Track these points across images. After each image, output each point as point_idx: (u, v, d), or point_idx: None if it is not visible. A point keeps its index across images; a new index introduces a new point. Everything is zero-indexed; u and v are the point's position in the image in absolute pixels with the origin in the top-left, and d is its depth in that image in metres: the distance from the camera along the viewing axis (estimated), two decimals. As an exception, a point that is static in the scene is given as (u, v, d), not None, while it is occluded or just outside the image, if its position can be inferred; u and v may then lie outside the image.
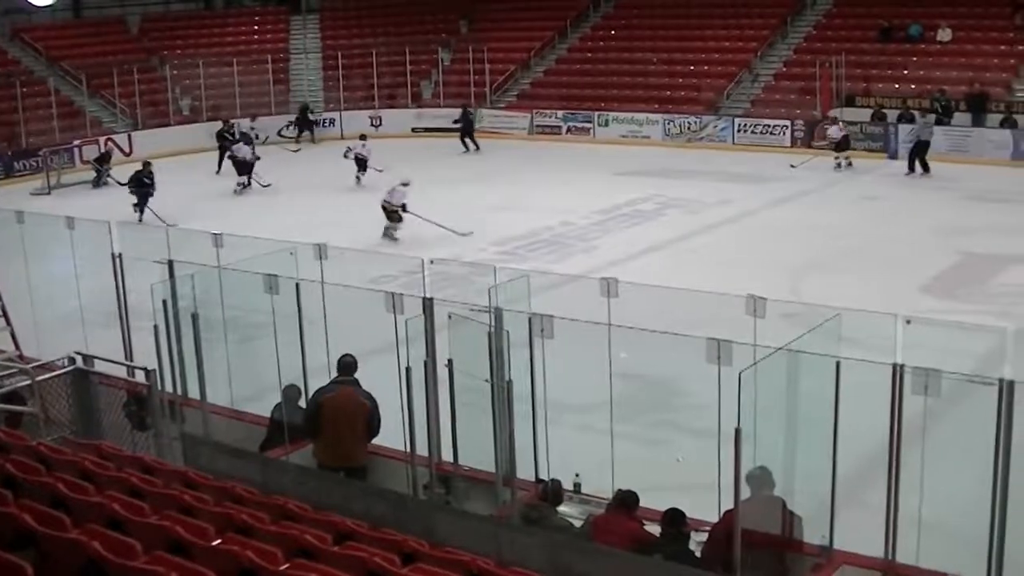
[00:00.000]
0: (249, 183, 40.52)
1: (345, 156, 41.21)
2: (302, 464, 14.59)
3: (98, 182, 42.84)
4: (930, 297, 24.13)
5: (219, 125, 46.49)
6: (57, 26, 56.44)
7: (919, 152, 38.97)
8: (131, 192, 35.82)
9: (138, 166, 37.63)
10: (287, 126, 51.44)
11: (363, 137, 43.24)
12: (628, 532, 11.93)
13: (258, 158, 41.32)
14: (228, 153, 42.12)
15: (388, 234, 31.26)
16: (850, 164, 39.73)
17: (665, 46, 50.82)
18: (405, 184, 31.34)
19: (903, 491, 11.27)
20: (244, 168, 40.69)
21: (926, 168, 38.77)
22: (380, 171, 38.80)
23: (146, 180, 36.28)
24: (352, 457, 14.62)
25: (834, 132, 40.71)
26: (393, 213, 31.17)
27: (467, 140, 47.24)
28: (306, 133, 51.35)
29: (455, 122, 47.87)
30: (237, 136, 43.79)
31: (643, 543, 11.81)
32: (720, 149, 44.91)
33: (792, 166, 40.26)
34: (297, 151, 48.76)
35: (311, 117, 51.63)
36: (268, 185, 40.54)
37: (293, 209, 35.63)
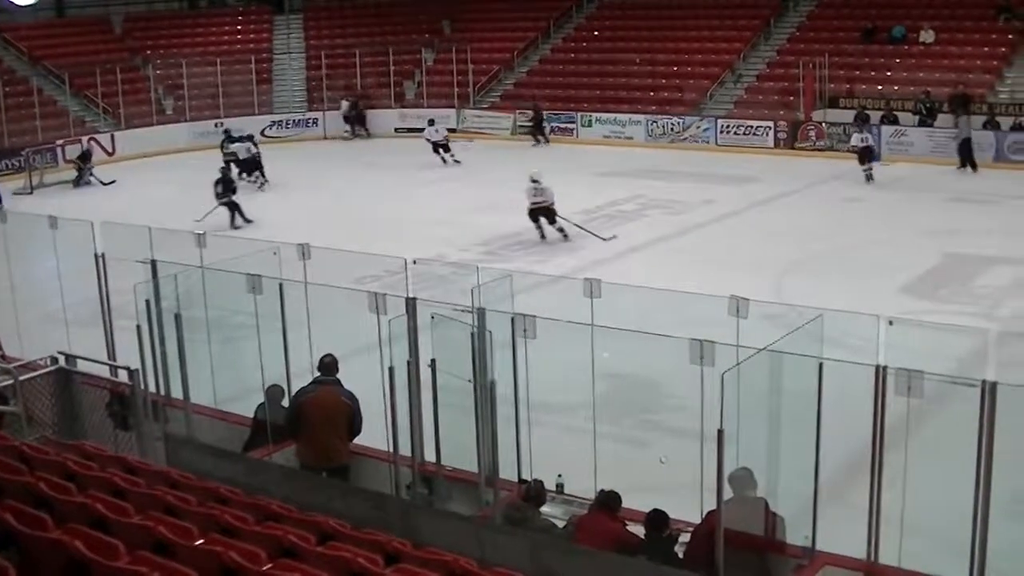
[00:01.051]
0: (263, 174, 40.63)
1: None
2: (285, 464, 14.59)
3: (79, 181, 42.80)
4: (913, 298, 24.17)
5: (204, 125, 46.82)
6: (40, 25, 56.29)
7: (967, 150, 39.19)
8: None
9: (122, 166, 37.73)
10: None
11: (431, 122, 45.59)
12: (611, 533, 11.94)
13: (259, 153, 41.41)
14: (229, 157, 41.98)
15: (563, 234, 30.80)
16: (871, 177, 37.91)
17: (648, 47, 50.88)
18: (536, 181, 30.92)
19: (886, 492, 11.28)
20: (250, 166, 40.84)
21: (975, 166, 39.10)
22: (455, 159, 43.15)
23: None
24: (334, 457, 14.61)
25: (856, 140, 39.43)
26: (549, 211, 30.62)
27: (538, 136, 47.50)
28: (360, 128, 51.77)
29: (529, 120, 48.09)
30: (235, 137, 43.69)
31: (626, 544, 11.82)
32: (703, 150, 44.98)
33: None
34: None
35: (362, 111, 51.93)
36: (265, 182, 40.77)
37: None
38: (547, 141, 47.82)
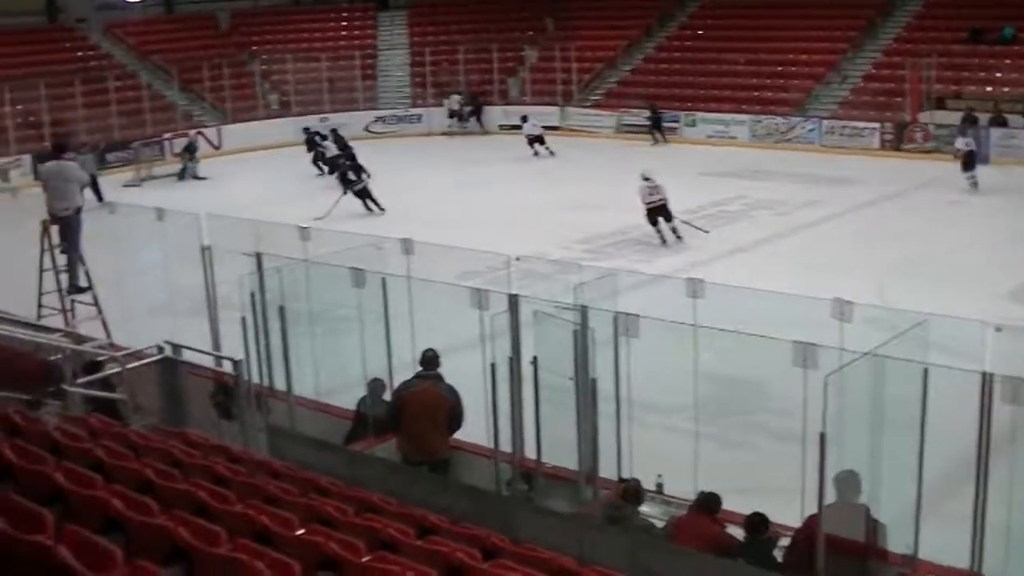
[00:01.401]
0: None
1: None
2: (386, 457, 14.65)
3: (184, 174, 43.27)
4: (1019, 305, 23.83)
5: (310, 121, 47.15)
6: (148, 21, 57.21)
7: None
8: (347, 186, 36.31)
9: (227, 159, 38.10)
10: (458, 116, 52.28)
11: (524, 118, 46.54)
12: (710, 535, 11.90)
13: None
14: (319, 155, 42.34)
15: (677, 234, 30.52)
16: (975, 185, 36.55)
17: (753, 46, 50.37)
18: (648, 179, 30.66)
19: (990, 501, 11.14)
20: (334, 164, 40.81)
21: None
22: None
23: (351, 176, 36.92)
24: (434, 451, 14.66)
25: (960, 144, 37.89)
26: (666, 209, 30.30)
27: (656, 135, 47.38)
28: (476, 124, 52.06)
29: (647, 118, 47.99)
30: (326, 135, 43.98)
31: (725, 546, 11.78)
32: (807, 150, 44.56)
33: None
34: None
35: (479, 106, 52.16)
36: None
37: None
38: (664, 140, 47.48)
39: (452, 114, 52.00)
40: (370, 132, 50.88)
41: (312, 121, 49.51)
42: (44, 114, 46.77)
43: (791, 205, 34.48)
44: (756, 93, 48.51)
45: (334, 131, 43.73)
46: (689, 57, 52.31)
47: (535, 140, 45.80)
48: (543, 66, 53.92)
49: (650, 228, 30.27)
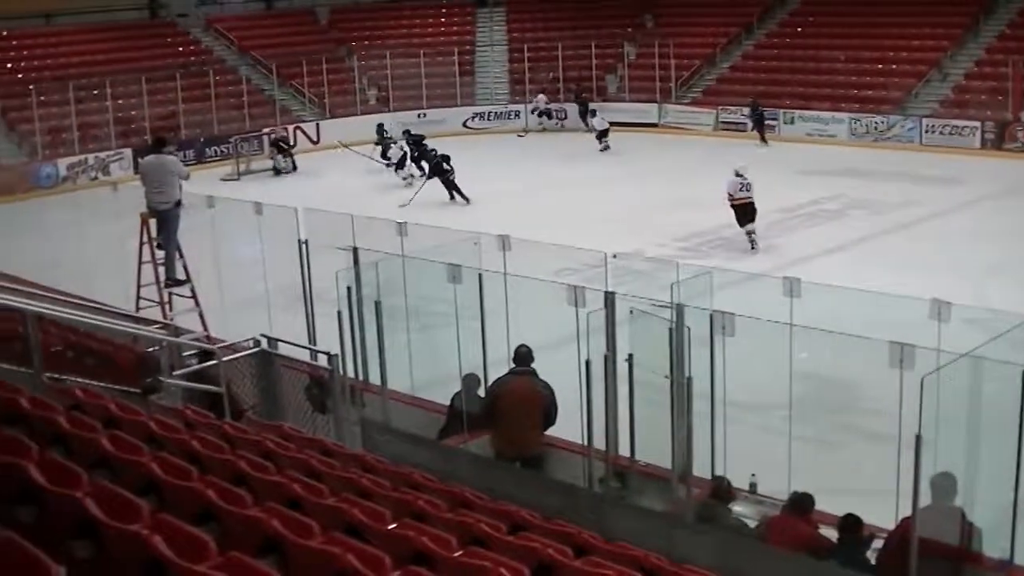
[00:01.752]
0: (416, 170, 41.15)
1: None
2: (479, 453, 14.68)
3: (279, 169, 43.63)
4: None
5: (407, 116, 47.46)
6: (249, 16, 57.82)
7: None
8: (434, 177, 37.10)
9: (325, 154, 38.47)
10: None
11: (594, 113, 47.93)
12: (803, 535, 11.83)
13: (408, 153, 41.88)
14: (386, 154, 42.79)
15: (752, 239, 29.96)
16: None
17: (852, 44, 49.84)
18: (741, 175, 30.21)
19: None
20: (401, 163, 41.41)
21: None
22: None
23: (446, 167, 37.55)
24: (528, 447, 14.68)
25: None
26: (750, 205, 29.90)
27: (760, 131, 46.97)
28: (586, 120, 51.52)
29: (749, 116, 47.72)
30: (389, 135, 44.32)
31: (818, 547, 11.71)
32: (907, 149, 44.04)
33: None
34: (522, 136, 49.51)
35: (586, 102, 51.86)
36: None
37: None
38: (764, 142, 46.68)
39: (540, 113, 51.82)
40: (468, 128, 51.05)
41: (411, 117, 49.92)
42: (144, 109, 47.28)
43: (889, 204, 34.14)
44: (855, 91, 48.02)
45: (407, 131, 43.65)
46: (788, 54, 51.93)
47: (603, 135, 46.33)
48: (641, 63, 53.75)
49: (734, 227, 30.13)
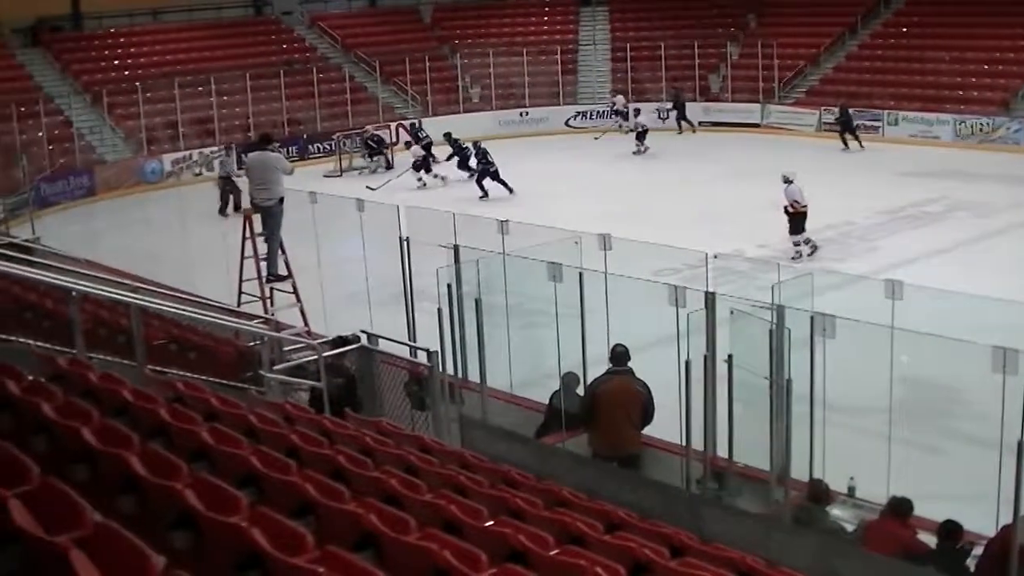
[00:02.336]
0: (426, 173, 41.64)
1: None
2: (577, 452, 14.68)
3: (375, 166, 43.80)
4: None
5: (510, 114, 47.59)
6: (352, 15, 58.18)
7: None
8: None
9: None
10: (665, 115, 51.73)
11: (637, 111, 47.59)
12: (900, 540, 11.73)
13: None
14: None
15: (801, 250, 29.01)
16: None
17: (957, 44, 49.14)
18: (790, 181, 29.48)
19: None
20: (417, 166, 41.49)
21: None
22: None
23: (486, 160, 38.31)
24: (627, 446, 14.67)
25: None
26: (803, 215, 29.08)
27: (847, 136, 45.98)
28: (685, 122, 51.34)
29: (836, 120, 47.06)
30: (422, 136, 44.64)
31: (915, 553, 11.61)
32: (1013, 151, 43.33)
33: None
34: (598, 138, 49.06)
35: (682, 104, 51.54)
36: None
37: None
38: (858, 143, 45.50)
39: (616, 113, 51.44)
40: (570, 127, 50.97)
41: (512, 115, 50.15)
42: (248, 106, 47.73)
43: (994, 207, 33.65)
44: (960, 92, 47.36)
45: (447, 135, 43.59)
46: (892, 55, 51.29)
47: (642, 135, 45.77)
48: (744, 63, 53.37)
49: (844, 228, 29.82)
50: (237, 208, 35.84)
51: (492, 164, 38.21)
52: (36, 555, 4.97)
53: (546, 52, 54.58)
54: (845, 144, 45.09)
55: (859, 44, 52.63)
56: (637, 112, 48.02)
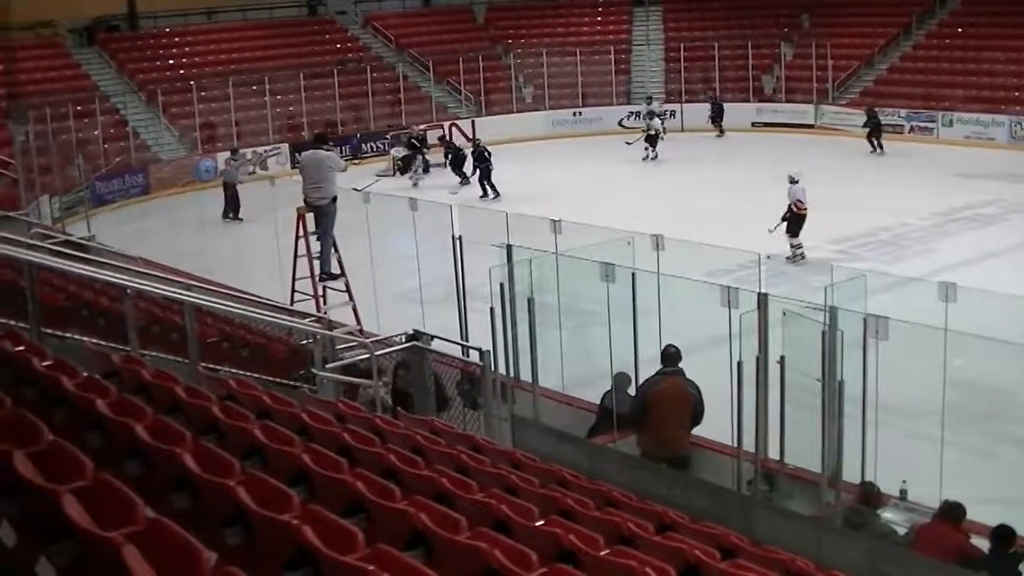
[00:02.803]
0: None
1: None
2: (628, 452, 14.67)
3: (414, 169, 43.77)
4: None
5: (563, 114, 47.55)
6: (406, 14, 58.34)
7: None
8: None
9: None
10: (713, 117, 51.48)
11: (651, 115, 46.61)
12: (953, 545, 11.66)
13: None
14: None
15: (800, 252, 28.84)
16: None
17: (1013, 45, 48.75)
18: (795, 181, 29.14)
19: None
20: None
21: None
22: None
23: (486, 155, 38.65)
24: (678, 447, 14.65)
25: None
26: (803, 217, 28.87)
27: (874, 140, 45.57)
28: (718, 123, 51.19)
29: (864, 124, 46.70)
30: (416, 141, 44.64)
31: (968, 557, 11.54)
32: (1070, 154, 43.17)
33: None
34: (631, 144, 48.82)
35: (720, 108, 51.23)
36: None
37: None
38: (882, 150, 45.11)
39: (651, 115, 50.83)
40: (623, 127, 50.85)
41: (565, 115, 50.27)
42: (302, 105, 47.94)
43: (1051, 210, 33.48)
44: (1016, 93, 47.03)
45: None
46: (947, 56, 51.01)
47: (653, 140, 45.36)
48: (798, 63, 53.17)
49: (898, 229, 29.65)
50: (235, 215, 36.44)
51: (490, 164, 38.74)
52: (90, 550, 5.02)
53: (599, 52, 54.58)
54: (873, 147, 44.80)
55: (914, 45, 52.33)
56: (651, 115, 47.26)
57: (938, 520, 12.05)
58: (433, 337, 15.59)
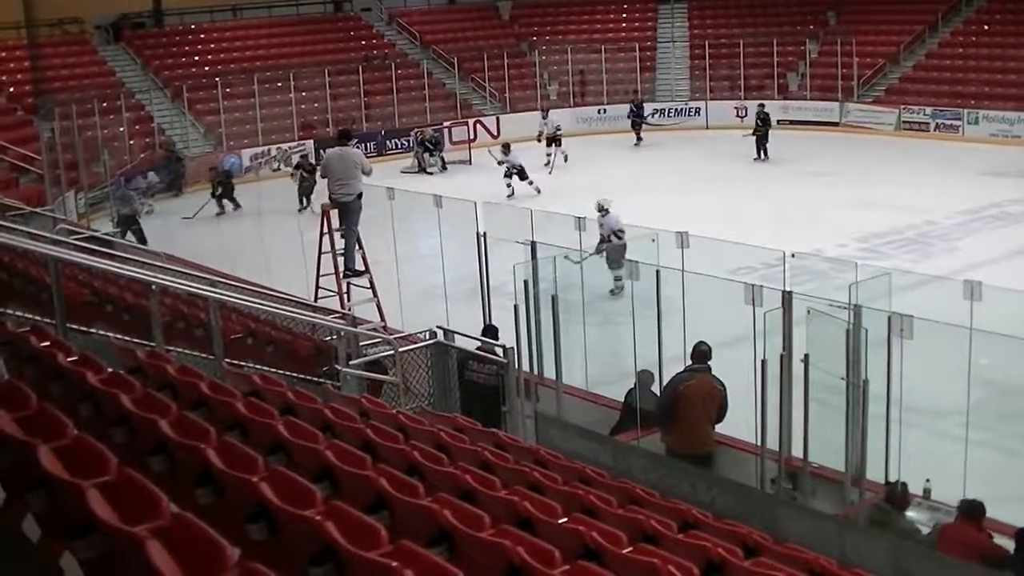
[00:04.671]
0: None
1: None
2: (652, 450, 14.67)
3: (427, 166, 43.72)
4: None
5: (587, 111, 47.41)
6: (431, 11, 58.42)
7: None
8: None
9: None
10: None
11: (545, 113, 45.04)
12: (976, 544, 11.62)
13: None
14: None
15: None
16: None
17: (1040, 42, 48.84)
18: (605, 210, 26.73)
19: None
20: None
21: None
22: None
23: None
24: (704, 444, 14.66)
25: None
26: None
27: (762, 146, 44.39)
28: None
29: (755, 132, 45.22)
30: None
31: (992, 557, 11.49)
32: (1097, 152, 42.96)
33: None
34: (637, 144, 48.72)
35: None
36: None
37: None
38: (766, 157, 43.97)
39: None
40: (648, 124, 50.73)
41: (590, 112, 50.42)
42: (327, 101, 48.07)
43: (1077, 208, 33.33)
44: (1043, 91, 46.98)
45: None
46: (973, 53, 50.81)
47: (552, 141, 43.31)
48: (823, 61, 53.04)
49: (923, 227, 29.60)
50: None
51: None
52: (114, 544, 5.03)
53: (624, 49, 54.49)
54: (759, 154, 44.05)
55: (939, 42, 52.13)
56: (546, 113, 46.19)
57: (960, 520, 12.01)
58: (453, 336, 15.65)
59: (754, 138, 43.75)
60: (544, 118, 45.11)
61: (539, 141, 43.66)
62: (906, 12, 53.69)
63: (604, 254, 24.12)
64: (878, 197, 33.94)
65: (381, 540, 5.83)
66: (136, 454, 6.71)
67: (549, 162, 42.66)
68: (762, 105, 45.13)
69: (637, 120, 47.93)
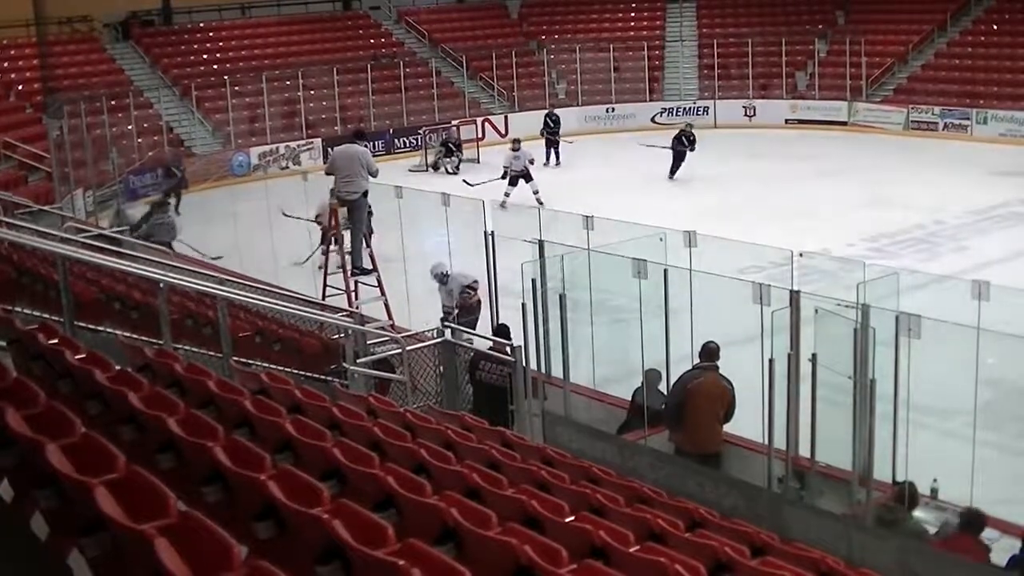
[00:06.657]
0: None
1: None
2: (659, 449, 14.67)
3: (442, 167, 43.60)
4: None
5: (596, 110, 47.28)
6: (440, 10, 58.49)
7: None
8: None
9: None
10: None
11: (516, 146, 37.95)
12: (975, 559, 11.57)
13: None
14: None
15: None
16: None
17: (1050, 42, 48.78)
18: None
19: None
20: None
21: None
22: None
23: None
24: (711, 443, 14.66)
25: None
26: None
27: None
28: None
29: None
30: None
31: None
32: (1107, 152, 42.89)
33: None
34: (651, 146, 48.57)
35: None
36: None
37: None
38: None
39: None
40: (656, 123, 50.74)
41: (599, 111, 50.38)
42: (335, 100, 48.11)
43: (1087, 208, 33.28)
44: (1053, 91, 46.90)
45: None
46: (982, 53, 50.74)
47: (519, 178, 36.49)
48: (832, 60, 53.01)
49: (932, 227, 29.57)
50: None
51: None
52: (122, 542, 5.05)
53: (633, 48, 54.53)
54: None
55: (948, 42, 52.08)
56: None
57: (960, 531, 11.95)
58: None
59: (670, 154, 40.85)
60: (514, 150, 37.14)
61: (503, 179, 36.51)
62: (915, 11, 53.66)
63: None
64: (887, 197, 33.92)
65: (388, 538, 5.84)
66: (144, 452, 6.73)
67: (504, 202, 33.50)
68: (690, 125, 42.66)
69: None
